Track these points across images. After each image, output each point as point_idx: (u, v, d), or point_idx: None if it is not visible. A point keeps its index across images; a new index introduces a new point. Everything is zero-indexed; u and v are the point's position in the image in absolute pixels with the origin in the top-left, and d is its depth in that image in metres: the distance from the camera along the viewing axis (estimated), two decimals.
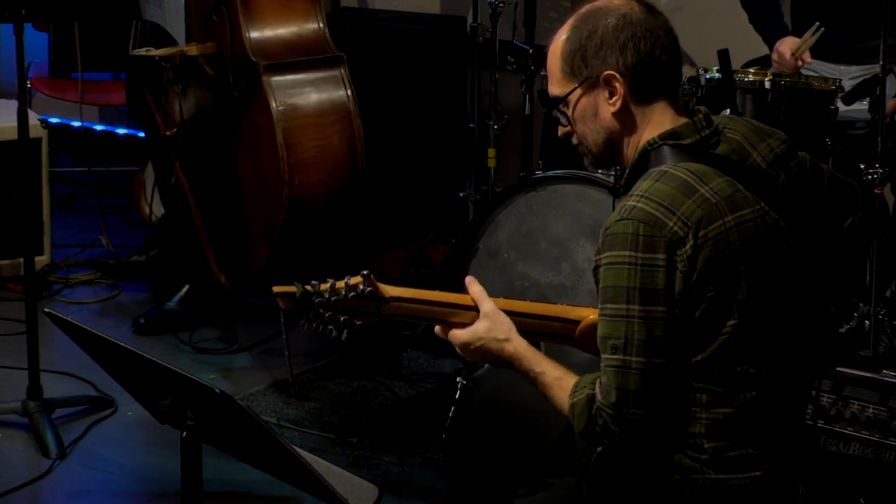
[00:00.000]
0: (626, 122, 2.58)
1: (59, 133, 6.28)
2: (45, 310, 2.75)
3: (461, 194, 4.96)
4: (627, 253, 2.42)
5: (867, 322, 4.08)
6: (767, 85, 4.18)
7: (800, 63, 4.41)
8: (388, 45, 5.50)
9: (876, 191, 4.02)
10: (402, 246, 5.17)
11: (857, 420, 3.68)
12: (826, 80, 4.30)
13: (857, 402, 3.67)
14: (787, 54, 4.41)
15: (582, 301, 3.86)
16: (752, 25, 4.72)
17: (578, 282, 4.02)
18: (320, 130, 4.34)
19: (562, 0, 5.49)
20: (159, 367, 2.44)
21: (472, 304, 2.62)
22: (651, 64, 2.55)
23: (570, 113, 2.60)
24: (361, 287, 2.54)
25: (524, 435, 2.89)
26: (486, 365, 2.83)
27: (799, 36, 4.46)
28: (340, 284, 2.54)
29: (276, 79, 4.27)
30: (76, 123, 4.86)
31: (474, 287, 2.64)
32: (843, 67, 4.61)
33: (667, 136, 2.55)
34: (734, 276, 2.44)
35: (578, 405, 2.47)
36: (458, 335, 2.62)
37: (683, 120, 2.57)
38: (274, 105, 4.24)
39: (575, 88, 2.57)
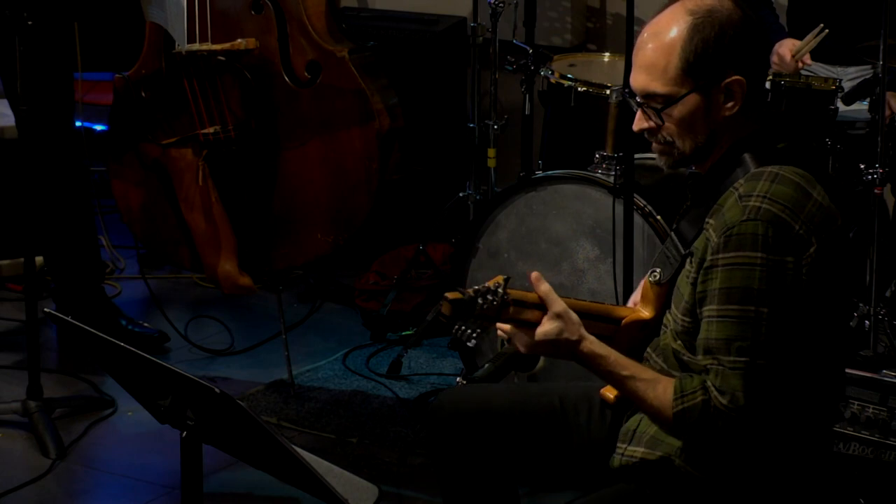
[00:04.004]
0: (734, 125, 2.53)
1: None
2: (46, 310, 2.75)
3: (461, 194, 4.96)
4: (758, 254, 2.39)
5: (867, 322, 4.08)
6: (767, 85, 4.18)
7: (800, 65, 4.41)
8: (388, 45, 5.49)
9: (876, 191, 4.02)
10: (402, 246, 5.17)
11: (857, 420, 3.68)
12: (826, 80, 4.30)
13: (857, 402, 3.67)
14: (787, 56, 4.40)
15: None
16: None
17: (578, 282, 4.03)
18: (392, 110, 4.35)
19: (562, 0, 5.49)
20: (159, 367, 2.44)
21: (537, 301, 2.49)
22: (765, 68, 2.54)
23: (670, 112, 2.51)
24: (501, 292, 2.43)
25: (496, 437, 2.79)
26: (486, 365, 2.78)
27: (796, 37, 4.46)
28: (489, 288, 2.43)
29: (359, 63, 4.28)
30: (76, 123, 4.84)
31: (542, 285, 2.49)
32: (840, 69, 4.60)
33: (764, 138, 2.53)
34: (842, 278, 2.47)
35: (693, 412, 2.42)
36: (530, 334, 2.49)
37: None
38: (368, 88, 4.25)
39: (692, 90, 2.49)
